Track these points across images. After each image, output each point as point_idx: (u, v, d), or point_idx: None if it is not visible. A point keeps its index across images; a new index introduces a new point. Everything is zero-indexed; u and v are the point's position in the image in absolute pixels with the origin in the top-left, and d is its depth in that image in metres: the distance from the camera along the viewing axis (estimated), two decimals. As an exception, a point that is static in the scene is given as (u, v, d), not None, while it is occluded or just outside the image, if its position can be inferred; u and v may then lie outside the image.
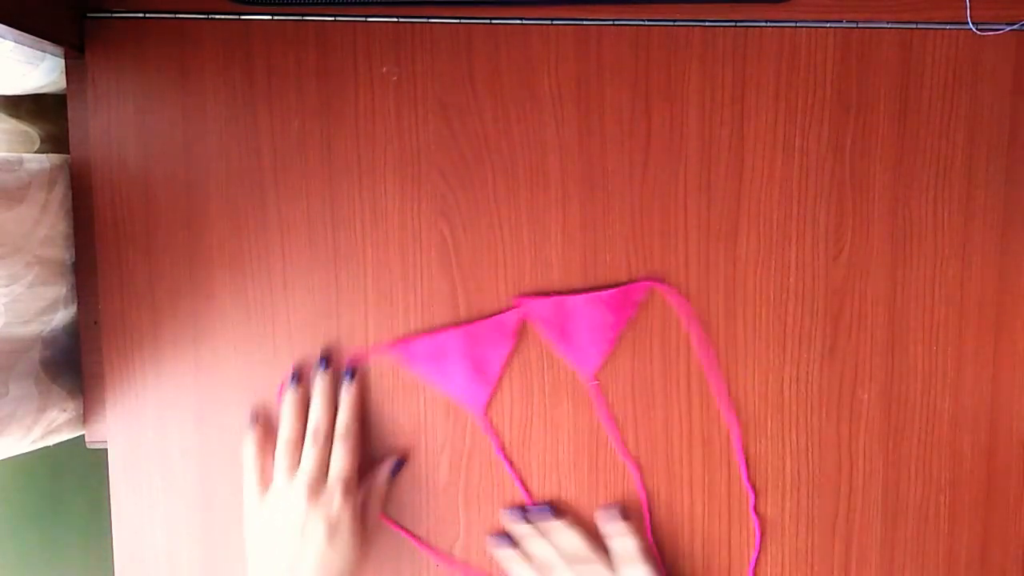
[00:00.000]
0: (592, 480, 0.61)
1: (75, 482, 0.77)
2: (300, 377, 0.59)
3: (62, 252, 0.59)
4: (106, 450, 0.60)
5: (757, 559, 0.61)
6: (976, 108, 0.59)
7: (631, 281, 0.59)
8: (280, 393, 0.59)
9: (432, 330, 0.59)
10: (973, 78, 0.59)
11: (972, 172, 0.60)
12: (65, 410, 0.60)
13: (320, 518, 0.53)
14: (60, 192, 0.58)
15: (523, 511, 0.59)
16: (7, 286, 0.54)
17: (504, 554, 0.59)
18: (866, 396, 0.61)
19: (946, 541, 0.62)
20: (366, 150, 0.59)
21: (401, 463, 0.60)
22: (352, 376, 0.59)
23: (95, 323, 0.60)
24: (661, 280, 0.59)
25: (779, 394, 0.61)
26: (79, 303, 0.60)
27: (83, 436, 0.61)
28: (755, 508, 0.61)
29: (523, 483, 0.60)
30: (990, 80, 0.59)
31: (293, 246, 0.59)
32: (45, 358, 0.60)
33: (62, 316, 0.61)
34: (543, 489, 0.61)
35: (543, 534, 0.58)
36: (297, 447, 0.56)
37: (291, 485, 0.55)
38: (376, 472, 0.59)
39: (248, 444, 0.58)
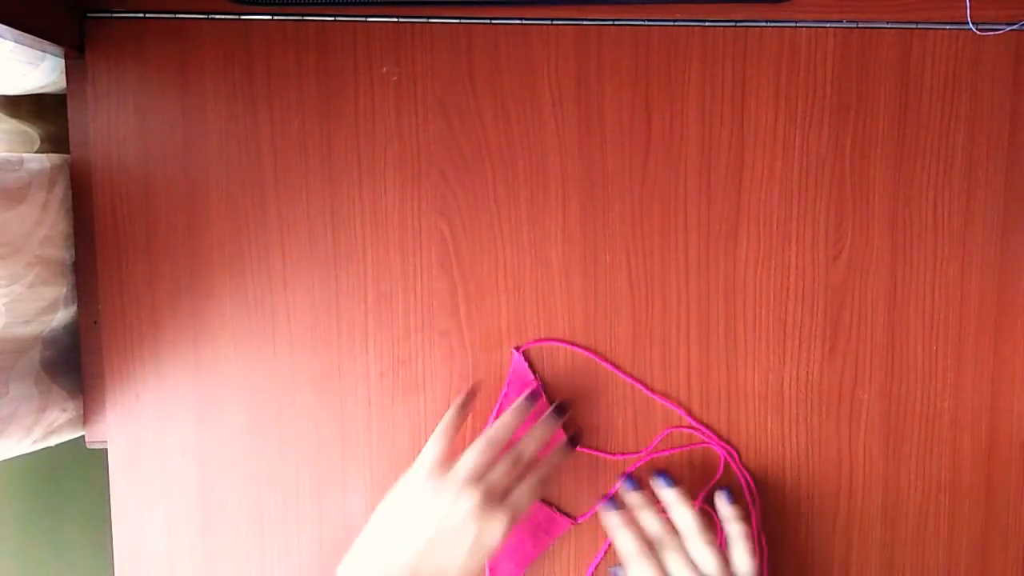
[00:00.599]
0: (592, 479, 0.61)
1: (75, 482, 0.77)
2: (534, 398, 0.56)
3: (62, 252, 0.59)
4: (106, 450, 0.60)
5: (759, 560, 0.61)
6: (976, 108, 0.59)
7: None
8: (504, 397, 0.59)
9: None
10: (973, 78, 0.59)
11: (972, 172, 0.60)
12: (65, 410, 0.60)
13: (474, 532, 0.50)
14: (60, 192, 0.58)
15: (635, 481, 0.57)
16: (7, 286, 0.54)
17: (612, 521, 0.56)
18: (866, 396, 0.61)
19: (946, 541, 0.62)
20: (366, 150, 0.59)
21: (577, 437, 0.58)
22: (574, 444, 0.57)
23: (95, 323, 0.60)
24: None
25: (779, 394, 0.61)
26: (79, 303, 0.60)
27: (83, 436, 0.61)
28: (757, 509, 0.61)
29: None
30: (990, 80, 0.59)
31: (293, 246, 0.59)
32: (45, 358, 0.60)
33: (62, 316, 0.61)
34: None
35: (654, 504, 0.56)
36: (496, 453, 0.53)
37: (471, 487, 0.51)
38: (553, 449, 0.56)
39: (453, 414, 0.55)
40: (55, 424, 0.59)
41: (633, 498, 0.56)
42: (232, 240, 0.59)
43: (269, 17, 0.58)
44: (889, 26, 0.59)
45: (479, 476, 0.52)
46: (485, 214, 0.59)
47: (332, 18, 0.58)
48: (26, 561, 0.73)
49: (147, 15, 0.57)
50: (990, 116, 0.59)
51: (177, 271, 0.59)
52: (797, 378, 0.61)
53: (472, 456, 0.53)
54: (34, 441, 0.58)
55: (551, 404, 0.56)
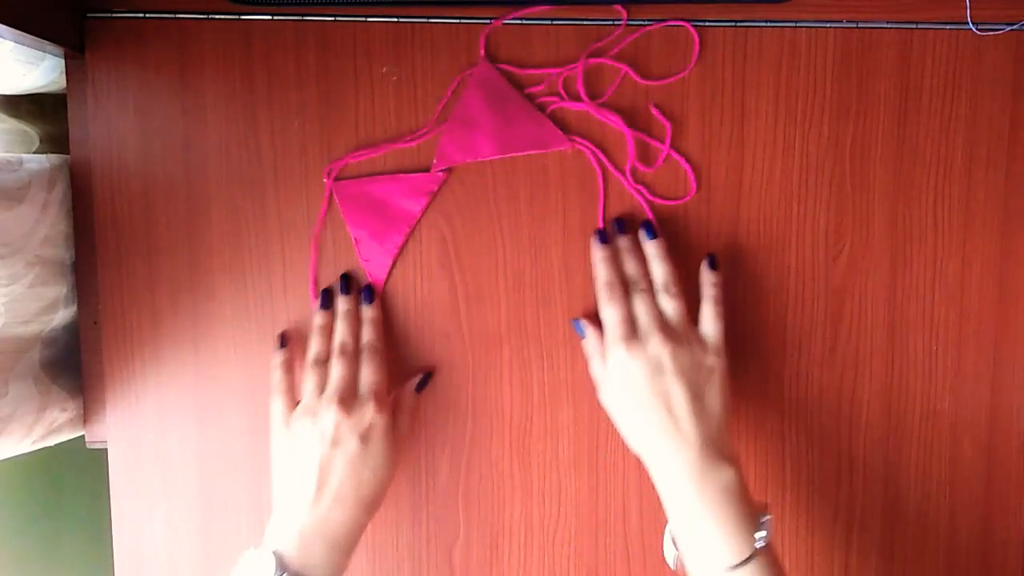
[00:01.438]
0: (592, 480, 0.61)
1: (75, 482, 0.77)
2: (327, 303, 0.58)
3: (62, 252, 0.59)
4: (106, 450, 0.60)
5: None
6: (976, 108, 0.59)
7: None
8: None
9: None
10: (973, 78, 0.59)
11: (972, 172, 0.60)
12: (65, 410, 0.60)
13: (351, 429, 0.53)
14: (60, 192, 0.58)
15: (623, 224, 0.58)
16: (7, 286, 0.54)
17: (597, 254, 0.58)
18: (866, 396, 0.61)
19: (946, 541, 0.62)
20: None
21: (428, 377, 0.60)
22: (371, 299, 0.59)
23: (95, 323, 0.60)
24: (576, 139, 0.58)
25: (779, 394, 0.61)
26: (79, 303, 0.60)
27: (83, 436, 0.61)
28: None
29: None
30: (990, 80, 0.59)
31: (293, 246, 0.59)
32: (45, 358, 0.60)
33: (62, 316, 0.61)
34: (543, 489, 0.61)
35: (635, 251, 0.57)
36: (325, 366, 0.56)
37: (321, 400, 0.54)
38: (404, 387, 0.59)
39: (275, 365, 0.57)
40: (55, 424, 0.59)
41: (621, 241, 0.58)
42: (232, 240, 0.59)
43: (269, 17, 0.58)
44: (889, 26, 0.59)
45: (321, 388, 0.55)
46: (485, 214, 0.59)
47: (332, 18, 0.58)
48: (26, 561, 0.73)
49: (147, 15, 0.57)
50: (990, 116, 0.59)
51: (177, 271, 0.59)
52: (797, 378, 0.61)
53: (308, 383, 0.55)
54: (34, 441, 0.59)
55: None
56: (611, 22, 0.58)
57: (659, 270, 0.56)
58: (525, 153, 0.58)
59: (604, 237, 0.58)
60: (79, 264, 0.60)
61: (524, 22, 0.58)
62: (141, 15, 0.57)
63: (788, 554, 0.61)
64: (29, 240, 0.56)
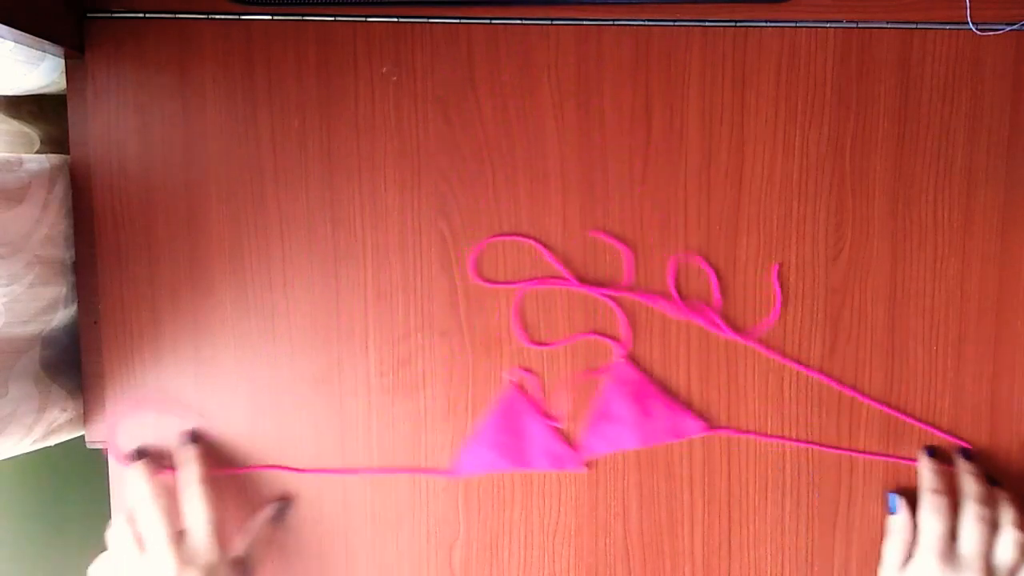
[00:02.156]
0: (592, 480, 0.61)
1: (75, 482, 0.77)
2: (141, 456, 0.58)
3: (62, 252, 0.59)
4: (106, 450, 0.60)
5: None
6: (976, 108, 0.59)
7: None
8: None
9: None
10: (973, 78, 0.59)
11: (972, 172, 0.60)
12: (65, 410, 0.60)
13: (195, 572, 0.51)
14: (60, 192, 0.58)
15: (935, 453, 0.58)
16: (7, 286, 0.54)
17: (928, 507, 0.55)
18: (866, 396, 0.61)
19: (946, 541, 0.62)
20: (366, 150, 0.59)
21: (286, 506, 0.59)
22: (194, 442, 0.58)
23: (95, 323, 0.60)
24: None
25: (779, 394, 0.61)
26: (79, 303, 0.60)
27: (83, 436, 0.61)
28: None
29: None
30: (990, 80, 0.59)
31: (293, 245, 0.59)
32: (45, 358, 0.60)
33: (62, 316, 0.61)
34: (543, 488, 0.61)
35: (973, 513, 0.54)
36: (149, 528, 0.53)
37: (150, 551, 0.52)
38: (256, 517, 0.58)
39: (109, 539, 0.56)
40: (55, 424, 0.59)
41: (964, 464, 0.55)
42: (232, 240, 0.59)
43: (269, 17, 0.58)
44: (889, 26, 0.59)
45: (143, 541, 0.52)
46: (485, 214, 0.59)
47: (332, 18, 0.58)
48: (26, 561, 0.73)
49: (147, 15, 0.57)
50: (990, 116, 0.59)
51: (177, 271, 0.59)
52: (797, 378, 0.60)
53: (129, 542, 0.53)
54: (34, 441, 0.58)
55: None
56: (611, 22, 0.58)
57: (1008, 513, 0.53)
58: (665, 443, 0.60)
59: (933, 451, 0.58)
60: (79, 264, 0.60)
61: (524, 22, 0.58)
62: (141, 15, 0.57)
63: (788, 554, 0.61)
64: (29, 240, 0.56)
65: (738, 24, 0.58)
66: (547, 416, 0.60)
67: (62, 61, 0.58)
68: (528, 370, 0.60)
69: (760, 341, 0.59)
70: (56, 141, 0.65)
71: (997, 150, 0.59)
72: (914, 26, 0.59)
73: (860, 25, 0.58)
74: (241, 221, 0.59)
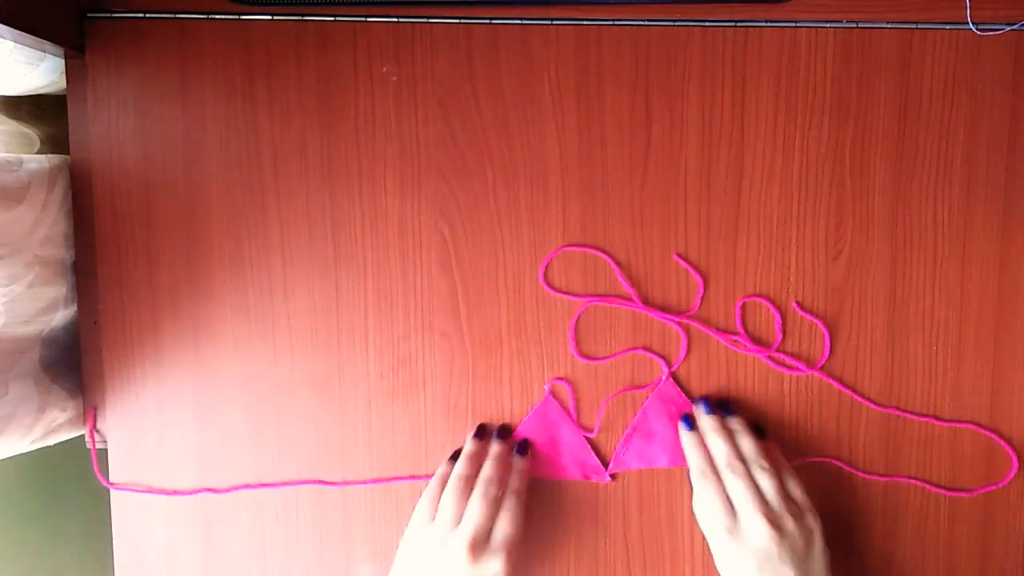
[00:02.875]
0: (592, 487, 0.61)
1: (75, 482, 0.77)
2: (480, 434, 0.60)
3: (62, 252, 0.59)
4: (106, 450, 0.60)
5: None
6: (976, 108, 0.59)
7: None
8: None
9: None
10: (973, 78, 0.59)
11: (972, 172, 0.60)
12: (65, 410, 0.60)
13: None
14: (60, 192, 0.58)
15: (707, 402, 0.59)
16: (7, 286, 0.54)
17: (687, 440, 0.58)
18: (866, 396, 0.61)
19: (946, 541, 0.62)
20: (366, 150, 0.59)
21: (525, 445, 0.60)
22: (524, 452, 0.59)
23: (95, 323, 0.60)
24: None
25: (779, 394, 0.61)
26: (79, 303, 0.60)
27: (83, 436, 0.61)
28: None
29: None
30: (990, 80, 0.59)
31: (293, 246, 0.59)
32: (45, 358, 0.60)
33: (62, 316, 0.61)
34: (543, 488, 0.61)
35: (722, 431, 0.57)
36: (466, 492, 0.55)
37: (453, 535, 0.53)
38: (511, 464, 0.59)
39: (437, 473, 0.58)
40: (55, 424, 0.59)
41: (706, 422, 0.58)
42: (232, 240, 0.59)
43: (269, 17, 0.58)
44: (889, 26, 0.59)
45: (456, 520, 0.54)
46: (485, 214, 0.59)
47: (332, 18, 0.58)
48: (26, 561, 0.73)
49: (147, 15, 0.57)
50: (990, 116, 0.59)
51: (177, 271, 0.59)
52: (797, 377, 0.60)
53: (446, 501, 0.55)
54: (34, 441, 0.58)
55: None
56: (611, 22, 0.58)
57: (747, 445, 0.56)
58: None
59: (690, 423, 0.59)
60: (79, 264, 0.60)
61: (524, 22, 0.58)
62: (141, 15, 0.57)
63: (788, 554, 0.61)
64: (29, 240, 0.56)
65: (738, 24, 0.58)
66: (581, 427, 0.60)
67: (62, 61, 0.58)
68: (564, 379, 0.60)
69: (823, 371, 0.60)
70: (56, 141, 0.65)
71: (997, 150, 0.59)
72: (914, 26, 0.59)
73: (860, 25, 0.58)
74: (241, 221, 0.59)
